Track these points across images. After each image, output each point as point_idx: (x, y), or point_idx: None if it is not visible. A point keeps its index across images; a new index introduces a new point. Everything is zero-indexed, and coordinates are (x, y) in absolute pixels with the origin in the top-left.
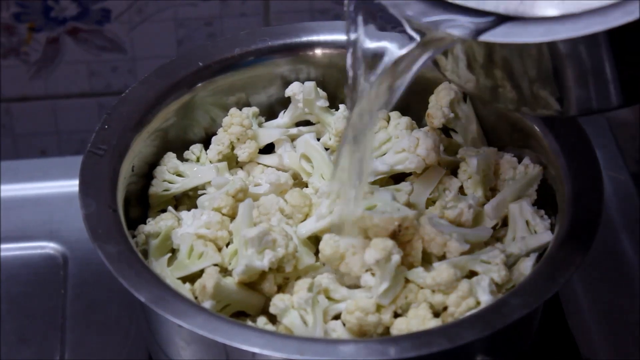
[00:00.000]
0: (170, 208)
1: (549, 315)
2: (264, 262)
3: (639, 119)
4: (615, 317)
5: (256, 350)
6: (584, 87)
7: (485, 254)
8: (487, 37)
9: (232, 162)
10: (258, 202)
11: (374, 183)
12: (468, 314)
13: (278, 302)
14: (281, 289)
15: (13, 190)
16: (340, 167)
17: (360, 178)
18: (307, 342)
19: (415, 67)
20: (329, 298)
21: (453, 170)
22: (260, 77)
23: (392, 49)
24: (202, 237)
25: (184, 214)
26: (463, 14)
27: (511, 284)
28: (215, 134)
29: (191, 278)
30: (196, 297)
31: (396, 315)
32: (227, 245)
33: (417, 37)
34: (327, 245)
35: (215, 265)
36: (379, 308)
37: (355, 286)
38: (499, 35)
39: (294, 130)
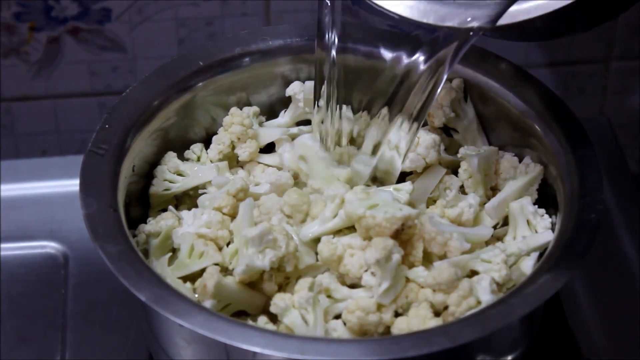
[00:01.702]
0: (170, 207)
1: (549, 315)
2: (264, 261)
3: (639, 119)
4: (615, 317)
5: (257, 349)
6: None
7: (486, 253)
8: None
9: (233, 161)
10: (259, 201)
11: None
12: (469, 313)
13: (279, 302)
14: (282, 288)
15: (13, 189)
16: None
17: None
18: (308, 341)
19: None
20: (329, 297)
21: (454, 170)
22: (261, 76)
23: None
24: (203, 236)
25: (184, 213)
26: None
27: (512, 283)
28: (215, 133)
29: (192, 277)
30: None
31: (397, 314)
32: (228, 244)
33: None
34: (325, 247)
35: (216, 264)
36: (379, 307)
37: (357, 285)
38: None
39: (295, 130)
